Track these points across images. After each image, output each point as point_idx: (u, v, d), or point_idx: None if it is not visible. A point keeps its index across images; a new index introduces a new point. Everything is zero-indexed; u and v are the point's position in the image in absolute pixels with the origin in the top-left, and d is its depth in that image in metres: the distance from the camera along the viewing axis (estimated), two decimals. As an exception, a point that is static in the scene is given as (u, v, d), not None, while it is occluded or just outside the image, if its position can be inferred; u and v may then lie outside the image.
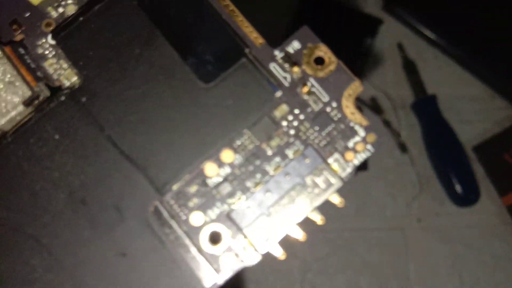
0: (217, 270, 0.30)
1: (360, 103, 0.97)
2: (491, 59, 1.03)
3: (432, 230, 0.97)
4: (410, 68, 1.03)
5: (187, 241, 0.30)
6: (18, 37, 0.32)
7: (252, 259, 0.30)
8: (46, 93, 0.31)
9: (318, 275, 0.95)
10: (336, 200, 0.30)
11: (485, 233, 0.97)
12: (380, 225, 0.98)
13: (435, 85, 1.01)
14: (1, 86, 0.30)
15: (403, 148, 0.99)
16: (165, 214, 0.30)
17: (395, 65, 1.03)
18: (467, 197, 0.95)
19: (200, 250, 0.30)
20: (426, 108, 1.01)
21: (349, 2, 1.04)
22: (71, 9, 0.32)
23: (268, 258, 0.83)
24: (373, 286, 0.95)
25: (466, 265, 0.96)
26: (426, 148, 0.99)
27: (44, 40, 0.32)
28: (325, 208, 0.84)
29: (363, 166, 0.97)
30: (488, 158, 0.98)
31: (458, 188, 0.94)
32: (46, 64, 0.32)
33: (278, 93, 0.31)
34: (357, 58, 1.00)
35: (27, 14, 0.32)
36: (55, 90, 0.31)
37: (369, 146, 0.30)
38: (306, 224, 0.85)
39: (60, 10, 0.32)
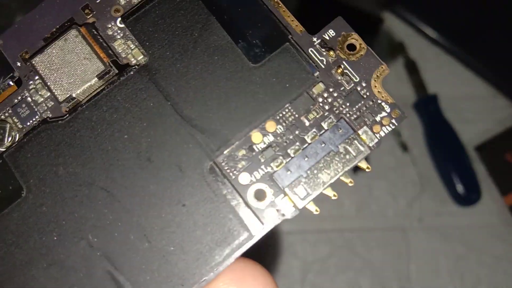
0: (262, 222, 0.39)
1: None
2: (493, 57, 1.10)
3: (433, 230, 1.04)
4: (411, 68, 1.10)
5: (237, 196, 0.39)
6: (90, 20, 0.41)
7: (291, 213, 0.39)
8: (115, 70, 0.40)
9: (318, 275, 1.02)
10: (364, 165, 0.39)
11: (486, 233, 1.04)
12: (381, 225, 1.04)
13: (436, 85, 1.09)
14: (78, 61, 0.39)
15: (404, 147, 1.06)
16: (219, 172, 0.39)
17: (396, 65, 1.11)
18: (469, 197, 1.03)
19: (247, 204, 0.39)
20: (428, 107, 1.08)
21: (350, 0, 1.12)
22: (137, -3, 0.41)
23: (268, 259, 0.90)
24: (373, 286, 1.03)
25: (467, 265, 1.03)
26: (428, 147, 1.07)
27: (113, 23, 0.41)
28: (326, 208, 0.91)
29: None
30: (490, 158, 1.05)
31: (459, 188, 1.03)
32: (115, 44, 0.41)
33: (316, 73, 0.40)
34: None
35: (98, 0, 0.41)
36: (123, 67, 0.40)
37: (393, 121, 0.40)
38: (307, 224, 0.92)
39: (127, -3, 0.41)
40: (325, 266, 1.03)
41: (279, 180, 0.39)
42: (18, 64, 0.41)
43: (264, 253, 1.01)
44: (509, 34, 1.10)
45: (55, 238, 0.39)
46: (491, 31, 1.11)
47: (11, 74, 0.41)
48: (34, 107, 0.40)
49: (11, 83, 0.41)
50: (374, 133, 0.39)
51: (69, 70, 0.39)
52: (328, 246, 1.03)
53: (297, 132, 0.40)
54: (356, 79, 0.40)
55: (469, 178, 1.04)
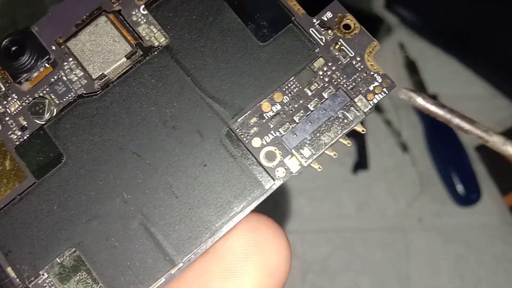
0: (273, 178, 0.50)
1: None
2: (493, 57, 1.18)
3: (433, 230, 1.13)
4: (411, 68, 1.20)
5: (251, 157, 0.50)
6: (117, 7, 0.52)
7: (297, 170, 0.50)
8: (140, 51, 0.51)
9: (318, 275, 1.11)
10: (360, 128, 0.51)
11: (486, 233, 1.12)
12: (381, 225, 1.13)
13: (436, 84, 1.18)
14: (108, 43, 0.51)
15: (404, 147, 1.16)
16: (234, 137, 0.50)
17: (396, 65, 1.21)
18: (469, 197, 1.12)
19: (260, 164, 0.50)
20: (427, 107, 1.15)
21: (350, 1, 1.22)
22: (158, -13, 0.53)
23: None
24: (373, 286, 1.12)
25: (467, 265, 1.11)
26: (427, 147, 1.17)
27: (137, 10, 0.52)
28: (326, 208, 1.01)
29: (363, 166, 1.15)
30: (490, 158, 1.13)
31: (459, 187, 1.12)
32: (139, 29, 0.52)
33: (316, 50, 0.51)
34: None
35: (119, -9, 0.53)
36: (147, 48, 0.52)
37: (384, 89, 0.51)
38: (307, 224, 1.00)
39: (149, -13, 0.53)
40: (325, 266, 1.11)
41: (287, 143, 0.50)
42: (53, 47, 0.52)
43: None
44: (509, 34, 1.18)
45: (93, 196, 0.50)
46: (491, 32, 1.19)
47: (47, 56, 0.52)
48: (69, 85, 0.51)
49: (47, 65, 0.52)
50: (368, 100, 0.51)
51: (100, 52, 0.50)
52: (328, 246, 1.12)
53: (301, 101, 0.51)
54: (352, 54, 0.51)
55: (469, 178, 1.13)
